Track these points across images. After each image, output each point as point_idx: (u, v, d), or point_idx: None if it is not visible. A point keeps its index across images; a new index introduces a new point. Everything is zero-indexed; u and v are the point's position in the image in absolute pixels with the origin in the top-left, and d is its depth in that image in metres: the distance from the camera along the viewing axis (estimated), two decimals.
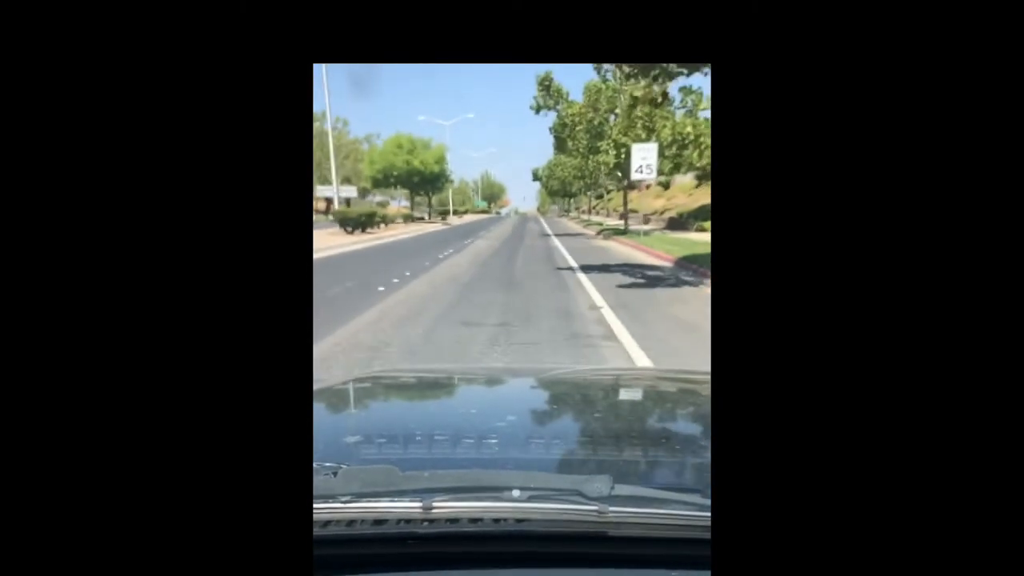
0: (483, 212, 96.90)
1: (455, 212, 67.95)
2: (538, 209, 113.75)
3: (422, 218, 52.84)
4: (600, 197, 57.23)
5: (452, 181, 55.75)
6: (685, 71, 10.74)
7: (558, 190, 60.39)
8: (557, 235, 26.98)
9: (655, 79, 11.65)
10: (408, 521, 0.72)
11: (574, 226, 40.19)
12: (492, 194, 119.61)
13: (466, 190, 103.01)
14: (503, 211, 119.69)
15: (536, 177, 69.28)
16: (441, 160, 48.86)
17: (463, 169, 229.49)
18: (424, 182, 48.53)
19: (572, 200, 71.15)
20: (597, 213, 55.71)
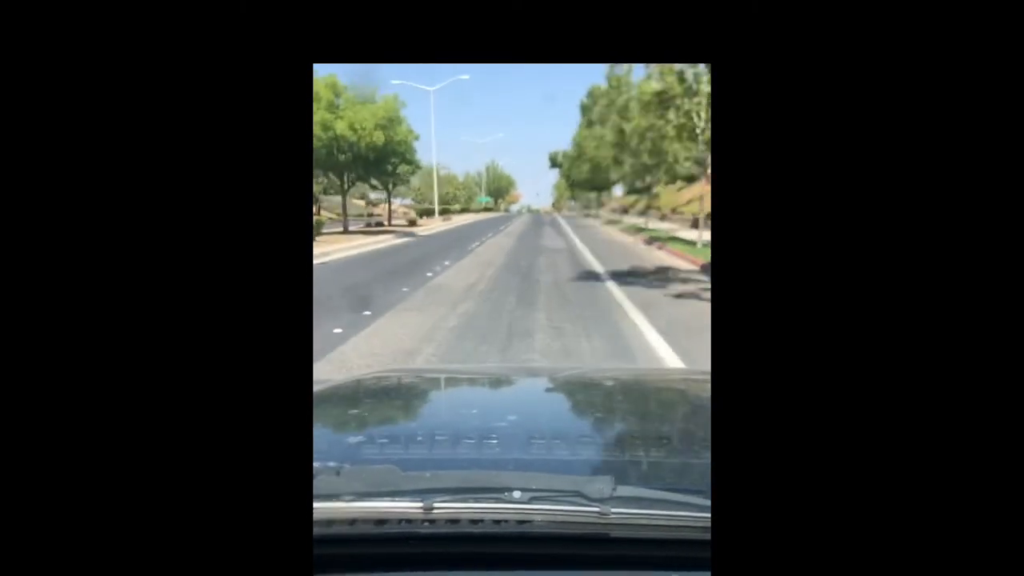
0: (487, 210, 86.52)
1: (443, 212, 52.82)
2: (553, 206, 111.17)
3: (380, 223, 36.50)
4: (641, 191, 38.82)
5: (417, 163, 34.64)
6: None
7: (585, 180, 46.23)
8: (619, 279, 11.52)
9: None
10: (409, 521, 0.80)
11: (627, 240, 23.78)
12: (499, 188, 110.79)
13: (470, 184, 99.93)
14: (513, 208, 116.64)
15: (555, 163, 58.24)
16: (392, 124, 27.78)
17: (464, 160, 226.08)
18: (361, 161, 28.08)
19: (598, 196, 57.29)
20: (641, 214, 39.66)
